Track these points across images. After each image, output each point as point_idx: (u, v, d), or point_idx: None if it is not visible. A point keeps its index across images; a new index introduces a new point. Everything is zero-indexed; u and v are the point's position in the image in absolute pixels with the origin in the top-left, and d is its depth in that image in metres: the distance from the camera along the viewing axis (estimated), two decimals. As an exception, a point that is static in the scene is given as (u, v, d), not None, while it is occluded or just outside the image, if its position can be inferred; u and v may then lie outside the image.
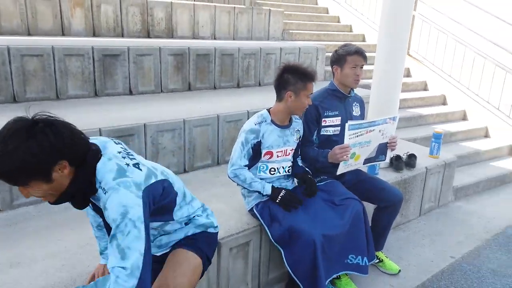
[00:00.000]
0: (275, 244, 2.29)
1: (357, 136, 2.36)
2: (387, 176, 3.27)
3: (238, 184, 2.35)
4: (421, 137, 4.67)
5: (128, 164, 1.47)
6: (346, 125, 2.32)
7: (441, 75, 6.07)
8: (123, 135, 2.79)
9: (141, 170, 1.48)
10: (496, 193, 4.26)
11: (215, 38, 5.44)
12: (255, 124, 2.29)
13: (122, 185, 1.38)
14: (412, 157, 3.48)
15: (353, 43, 6.83)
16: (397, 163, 3.37)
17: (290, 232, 2.21)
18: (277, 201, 2.28)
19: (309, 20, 7.30)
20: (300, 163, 2.56)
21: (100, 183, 1.40)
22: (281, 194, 2.29)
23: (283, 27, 6.27)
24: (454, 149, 4.67)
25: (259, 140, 2.29)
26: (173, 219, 1.68)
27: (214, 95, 4.12)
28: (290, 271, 2.23)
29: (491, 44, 5.39)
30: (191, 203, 1.78)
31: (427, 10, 6.32)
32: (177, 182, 1.70)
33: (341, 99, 2.66)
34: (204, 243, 1.78)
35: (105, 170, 1.41)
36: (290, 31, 6.45)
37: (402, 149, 3.60)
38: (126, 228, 1.34)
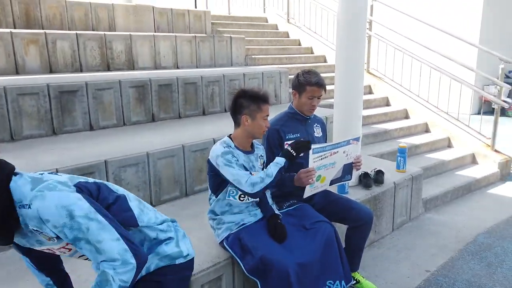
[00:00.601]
0: (250, 276, 2.20)
1: (322, 159, 2.35)
2: (357, 194, 3.27)
3: (264, 189, 2.23)
4: (388, 152, 4.75)
5: (42, 173, 1.36)
6: (311, 149, 2.30)
7: (402, 90, 6.28)
8: (82, 173, 2.66)
9: (60, 175, 1.37)
10: (463, 201, 4.36)
11: (177, 68, 5.42)
12: (224, 147, 2.25)
13: (45, 189, 1.26)
14: (379, 173, 3.51)
15: (315, 64, 6.98)
16: (365, 181, 3.39)
17: (263, 262, 2.14)
18: (294, 153, 2.28)
19: (271, 45, 7.44)
20: (270, 200, 2.46)
21: (20, 203, 1.26)
22: (290, 150, 2.27)
23: (246, 52, 6.34)
24: (420, 161, 4.77)
25: (237, 159, 2.24)
26: (138, 225, 1.56)
27: (179, 124, 4.05)
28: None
29: (445, 59, 5.63)
30: (155, 213, 1.68)
31: (382, 29, 6.57)
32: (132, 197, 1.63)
33: (301, 121, 2.67)
34: (172, 285, 1.67)
35: (17, 186, 1.28)
36: (253, 56, 6.53)
37: (369, 166, 3.63)
38: (81, 225, 1.24)
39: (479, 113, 5.66)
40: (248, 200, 2.36)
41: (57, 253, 1.51)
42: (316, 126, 2.79)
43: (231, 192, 2.31)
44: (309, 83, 2.53)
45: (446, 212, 4.08)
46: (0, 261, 2.26)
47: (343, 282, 2.35)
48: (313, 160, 2.31)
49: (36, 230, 1.30)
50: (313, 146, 2.31)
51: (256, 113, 2.23)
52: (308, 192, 2.44)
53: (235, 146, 2.30)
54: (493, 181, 4.92)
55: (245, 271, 2.20)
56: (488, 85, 8.43)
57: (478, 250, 3.28)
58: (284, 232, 2.28)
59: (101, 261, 1.31)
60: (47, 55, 4.29)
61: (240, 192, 2.31)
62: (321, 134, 2.81)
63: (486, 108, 7.98)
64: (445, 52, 5.74)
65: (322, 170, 2.39)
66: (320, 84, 2.53)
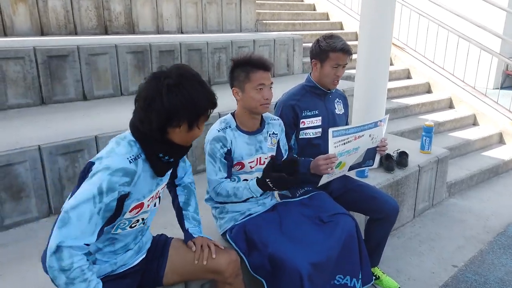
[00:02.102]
0: (255, 275, 1.90)
1: (344, 144, 1.99)
2: (377, 178, 2.93)
3: (226, 203, 1.97)
4: (409, 130, 4.37)
5: None
6: (330, 131, 1.93)
7: (424, 62, 5.79)
8: (68, 151, 2.35)
9: None
10: (490, 186, 4.00)
11: (182, 33, 4.99)
12: (219, 131, 1.89)
13: None
14: (403, 155, 3.15)
15: (331, 32, 6.48)
16: (387, 163, 3.04)
17: (272, 262, 1.83)
18: (272, 187, 1.85)
19: (284, 9, 6.89)
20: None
21: None
22: (269, 182, 1.82)
23: (256, 17, 5.86)
24: (443, 140, 4.38)
25: (228, 148, 1.89)
26: None
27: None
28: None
29: (475, 27, 5.12)
30: None
31: (406, -7, 6.01)
32: None
33: (320, 96, 2.29)
34: None
35: None
36: (264, 21, 6.04)
37: (391, 146, 3.24)
38: None
39: (501, 88, 5.18)
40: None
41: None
42: (338, 101, 2.40)
43: (233, 179, 1.99)
44: (333, 49, 2.13)
45: (472, 197, 3.74)
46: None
47: (354, 280, 2.04)
48: (334, 145, 1.95)
49: None
50: (332, 129, 1.94)
51: (244, 83, 1.86)
52: (324, 179, 2.11)
53: (236, 125, 1.95)
54: (522, 163, 4.53)
55: (250, 270, 1.91)
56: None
57: (510, 243, 2.96)
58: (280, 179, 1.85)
59: None
60: (37, 15, 3.89)
61: (242, 178, 1.99)
62: (343, 110, 2.42)
63: (509, 82, 7.48)
64: (476, 19, 5.21)
65: (344, 156, 2.04)
66: (346, 50, 2.14)
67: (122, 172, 1.31)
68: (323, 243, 1.94)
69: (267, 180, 1.83)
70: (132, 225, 1.51)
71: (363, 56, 3.09)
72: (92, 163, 1.34)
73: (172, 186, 1.80)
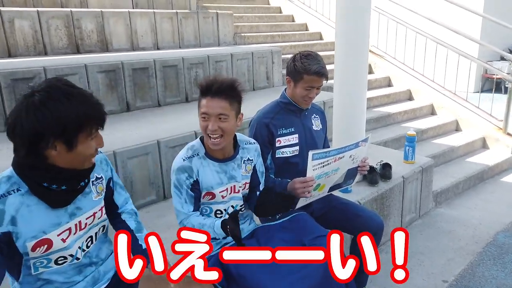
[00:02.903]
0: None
1: (323, 166, 1.88)
2: (361, 193, 2.83)
3: None
4: (392, 138, 4.31)
5: None
6: (310, 154, 1.82)
7: (404, 69, 5.79)
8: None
9: None
10: (476, 193, 3.95)
11: (158, 48, 4.88)
12: (184, 160, 1.75)
13: None
14: (386, 166, 3.07)
15: (310, 42, 6.44)
16: (371, 177, 2.94)
17: (255, 291, 1.71)
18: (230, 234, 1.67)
19: (262, 21, 6.86)
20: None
21: None
22: (228, 226, 1.64)
23: (234, 30, 5.79)
24: (427, 148, 4.34)
25: (195, 179, 1.76)
26: None
27: (158, 114, 3.57)
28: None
29: (453, 33, 5.13)
30: None
31: (383, 2, 6.03)
32: None
33: (296, 113, 2.19)
34: None
35: None
36: (242, 34, 5.98)
37: (374, 157, 3.18)
38: None
39: (480, 92, 5.19)
40: (227, 215, 1.90)
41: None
42: (315, 117, 2.30)
43: (204, 210, 1.85)
44: (307, 71, 2.02)
45: (459, 205, 3.67)
46: None
47: None
48: (313, 168, 1.84)
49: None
50: (313, 151, 1.82)
51: (199, 108, 1.72)
52: (301, 202, 1.99)
53: (205, 153, 1.80)
54: (506, 168, 4.51)
55: (229, 301, 1.77)
56: (491, 61, 7.95)
57: (500, 253, 2.88)
58: (235, 230, 1.67)
59: None
60: (3, 36, 3.74)
61: (215, 208, 1.86)
62: (320, 126, 2.33)
63: (488, 86, 7.55)
64: (453, 25, 5.23)
65: (322, 179, 1.93)
66: (321, 73, 2.03)
67: None
68: (306, 270, 1.82)
69: (228, 226, 1.64)
70: (59, 262, 1.36)
71: (340, 66, 3.01)
72: None
73: (115, 218, 1.64)
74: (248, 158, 1.93)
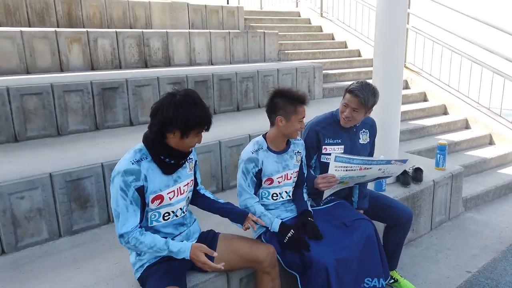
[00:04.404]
0: (288, 270, 2.22)
1: (347, 170, 2.27)
2: (394, 192, 3.22)
3: None
4: (426, 149, 4.63)
5: None
6: (332, 155, 2.25)
7: (440, 85, 6.08)
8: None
9: None
10: (506, 201, 4.19)
11: (212, 64, 5.49)
12: (252, 153, 2.25)
13: None
14: (418, 170, 3.44)
15: (349, 59, 6.86)
16: (403, 178, 3.33)
17: (302, 259, 2.16)
18: (285, 241, 2.19)
19: (304, 40, 7.38)
20: (305, 197, 2.47)
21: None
22: (289, 235, 2.17)
23: (279, 48, 6.33)
24: (459, 159, 4.62)
25: (259, 168, 2.25)
26: None
27: (215, 120, 3.99)
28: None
29: (485, 52, 5.41)
30: None
31: (420, 22, 6.38)
32: None
33: (344, 128, 2.55)
34: None
35: None
36: (286, 51, 6.51)
37: (407, 163, 3.55)
38: None
39: None
40: (282, 198, 2.37)
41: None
42: (363, 132, 2.63)
43: (263, 194, 2.34)
44: (347, 90, 2.42)
45: (488, 211, 3.95)
46: (51, 250, 2.39)
47: (381, 280, 2.33)
48: (335, 168, 2.26)
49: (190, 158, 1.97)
50: (335, 154, 2.25)
51: (291, 115, 2.19)
52: (326, 193, 2.42)
53: (267, 147, 2.30)
54: (538, 180, 4.69)
55: (284, 266, 2.23)
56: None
57: (523, 252, 3.16)
58: (317, 230, 2.26)
59: None
60: (89, 53, 4.45)
61: (272, 192, 2.33)
62: (368, 140, 2.64)
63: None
64: (487, 44, 5.50)
65: (347, 178, 2.35)
66: (355, 94, 2.34)
67: (128, 172, 1.74)
68: (346, 242, 2.26)
69: (290, 234, 2.17)
70: (165, 217, 1.91)
71: (377, 81, 3.40)
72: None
73: (197, 197, 2.18)
74: (298, 151, 2.41)
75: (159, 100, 1.79)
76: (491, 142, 5.31)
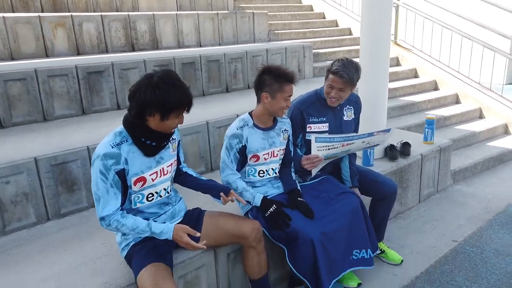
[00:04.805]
0: (276, 242, 2.25)
1: (329, 149, 2.29)
2: (382, 166, 3.24)
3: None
4: (415, 124, 4.65)
5: None
6: (312, 137, 2.25)
7: (431, 61, 6.07)
8: (111, 150, 2.78)
9: None
10: (494, 173, 4.24)
11: (200, 46, 5.44)
12: (237, 129, 2.26)
13: None
14: (406, 145, 3.46)
15: (340, 38, 6.82)
16: (391, 153, 3.35)
17: (288, 233, 2.18)
18: (266, 215, 2.21)
19: (294, 19, 7.31)
20: (293, 176, 2.49)
21: None
22: (271, 209, 2.19)
23: (268, 28, 6.27)
24: (449, 133, 4.65)
25: (243, 144, 2.26)
26: None
27: (203, 101, 4.10)
28: (292, 269, 2.21)
29: (475, 27, 5.38)
30: None
31: (410, -2, 6.33)
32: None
33: (329, 106, 2.55)
34: None
35: None
36: (276, 31, 6.45)
37: (396, 138, 3.59)
38: None
39: None
40: (269, 175, 2.39)
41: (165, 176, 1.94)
42: (348, 108, 2.64)
43: (250, 171, 2.35)
44: (330, 70, 2.40)
45: (476, 183, 3.99)
46: (39, 233, 2.41)
47: (369, 251, 2.38)
48: (317, 149, 2.28)
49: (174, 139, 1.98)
50: (316, 136, 2.26)
51: (277, 92, 2.19)
52: (314, 170, 2.44)
53: (253, 123, 2.31)
54: (527, 152, 4.74)
55: (272, 239, 2.26)
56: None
57: (508, 220, 3.22)
58: (309, 209, 2.28)
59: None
60: (74, 38, 4.40)
61: (258, 169, 2.35)
62: (352, 116, 2.66)
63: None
64: (478, 19, 5.47)
65: (332, 154, 2.37)
66: (339, 75, 2.33)
67: (108, 156, 1.73)
68: (332, 216, 2.29)
69: (272, 209, 2.19)
70: (149, 199, 1.92)
71: (364, 57, 3.39)
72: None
73: (179, 175, 2.18)
74: (285, 129, 2.42)
75: (137, 82, 1.76)
76: (481, 116, 5.33)
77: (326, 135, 2.30)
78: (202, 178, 2.21)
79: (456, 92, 5.60)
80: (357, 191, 2.60)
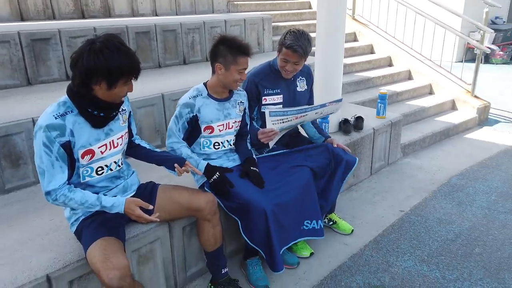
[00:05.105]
0: (231, 214, 2.27)
1: (283, 122, 2.31)
2: (336, 139, 3.29)
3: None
4: (370, 99, 4.78)
5: None
6: (266, 111, 2.26)
7: (386, 37, 6.20)
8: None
9: None
10: (440, 146, 4.48)
11: (156, 15, 5.23)
12: (190, 98, 2.22)
13: None
14: (359, 119, 3.55)
15: (299, 11, 6.77)
16: (345, 127, 3.44)
17: (241, 204, 2.21)
18: (210, 182, 2.21)
19: (254, -10, 7.16)
20: (249, 146, 2.50)
21: None
22: (214, 176, 2.19)
23: (227, -2, 6.12)
24: (401, 108, 4.83)
25: (194, 114, 2.22)
26: None
27: (159, 73, 3.98)
28: (246, 239, 2.24)
29: (431, 5, 5.53)
30: None
31: (368, -27, 6.36)
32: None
33: (282, 77, 2.58)
34: None
35: None
36: (235, 2, 6.31)
37: (350, 113, 3.68)
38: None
39: (464, 61, 5.65)
40: (224, 147, 2.38)
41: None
42: (301, 79, 2.68)
43: (205, 143, 2.32)
44: (284, 45, 2.39)
45: (423, 156, 4.21)
46: (-18, 209, 2.29)
47: (320, 222, 2.46)
48: (272, 123, 2.29)
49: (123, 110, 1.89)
50: (269, 110, 2.26)
51: (230, 64, 2.15)
52: (272, 143, 2.45)
53: (208, 94, 2.27)
54: (471, 126, 5.04)
55: (226, 210, 2.28)
56: (473, 32, 8.36)
57: (451, 191, 3.43)
58: (259, 178, 2.31)
59: None
60: (16, 2, 4.08)
61: (214, 141, 2.33)
62: (305, 87, 2.71)
63: (470, 55, 7.99)
64: (432, -4, 5.61)
65: (286, 127, 2.39)
66: (293, 49, 2.35)
67: (51, 127, 1.63)
68: (284, 187, 2.34)
69: (215, 177, 2.17)
70: (98, 172, 1.85)
71: (320, 31, 3.40)
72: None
73: (131, 147, 2.11)
74: (241, 101, 2.40)
75: (78, 48, 1.64)
76: (431, 92, 5.57)
77: (280, 108, 2.31)
78: (156, 150, 2.16)
79: (409, 69, 5.79)
80: (333, 140, 2.63)
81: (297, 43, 2.35)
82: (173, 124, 2.24)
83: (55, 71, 3.48)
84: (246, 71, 2.27)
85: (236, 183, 2.27)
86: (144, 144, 2.16)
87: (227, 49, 2.14)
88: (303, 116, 2.36)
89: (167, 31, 4.22)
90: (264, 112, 2.56)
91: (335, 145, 2.59)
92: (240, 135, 2.48)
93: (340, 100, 2.48)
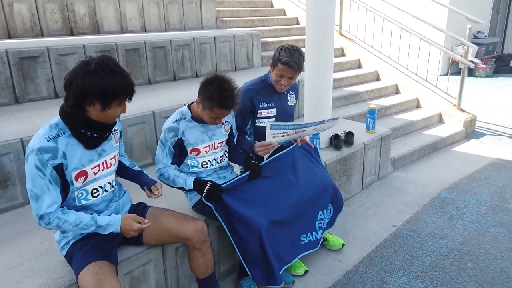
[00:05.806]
0: (227, 232, 2.24)
1: (283, 136, 2.34)
2: (327, 155, 3.34)
3: (166, 184, 2.25)
4: (358, 114, 4.83)
5: None
6: (268, 124, 2.27)
7: (373, 52, 6.31)
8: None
9: None
10: (429, 159, 4.53)
11: (145, 31, 5.23)
12: (173, 122, 2.20)
13: None
14: (349, 134, 3.58)
15: (287, 27, 6.84)
16: (336, 142, 3.46)
17: (237, 222, 2.19)
18: (203, 195, 2.18)
19: (242, 7, 7.24)
20: (240, 150, 2.52)
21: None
22: (207, 187, 2.16)
23: (216, 15, 6.17)
24: (389, 122, 4.89)
25: (179, 137, 2.20)
26: None
27: (149, 90, 3.97)
28: (242, 260, 2.23)
29: (415, 21, 5.65)
30: None
31: (355, -11, 6.49)
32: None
33: (275, 91, 2.64)
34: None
35: None
36: (224, 18, 6.36)
37: (340, 128, 3.71)
38: None
39: (449, 74, 5.77)
40: (213, 165, 2.37)
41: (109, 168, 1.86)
42: (291, 94, 2.77)
43: (192, 163, 2.30)
44: (280, 61, 2.44)
45: (413, 170, 4.25)
46: (-31, 233, 2.23)
47: (314, 233, 2.51)
48: (272, 136, 2.30)
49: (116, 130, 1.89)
50: (271, 123, 2.26)
51: (207, 108, 2.11)
52: (268, 154, 2.47)
53: (192, 117, 2.25)
54: (458, 139, 5.12)
55: (225, 228, 2.24)
56: (457, 46, 8.57)
57: (441, 205, 3.46)
58: (258, 169, 2.33)
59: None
60: (4, 19, 4.05)
61: (201, 161, 2.31)
62: (294, 102, 2.82)
63: (455, 69, 8.17)
64: (416, 13, 5.75)
65: (283, 141, 2.42)
66: (289, 66, 2.41)
67: (43, 150, 1.61)
68: (281, 205, 2.33)
69: (208, 186, 2.15)
70: (94, 194, 1.82)
71: (309, 48, 3.44)
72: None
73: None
74: (226, 121, 2.38)
75: (73, 69, 1.63)
76: (418, 106, 5.66)
77: (281, 122, 2.34)
78: (133, 169, 2.13)
79: (396, 83, 5.89)
80: (298, 141, 2.61)
81: (293, 59, 2.42)
82: (159, 151, 2.23)
83: (44, 89, 3.44)
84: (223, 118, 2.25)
85: (233, 196, 2.24)
86: (124, 160, 2.13)
87: (212, 93, 2.06)
88: (302, 131, 2.40)
89: (157, 48, 4.22)
90: (258, 126, 2.61)
91: (300, 145, 2.59)
92: (231, 148, 2.49)
93: (336, 119, 2.54)
